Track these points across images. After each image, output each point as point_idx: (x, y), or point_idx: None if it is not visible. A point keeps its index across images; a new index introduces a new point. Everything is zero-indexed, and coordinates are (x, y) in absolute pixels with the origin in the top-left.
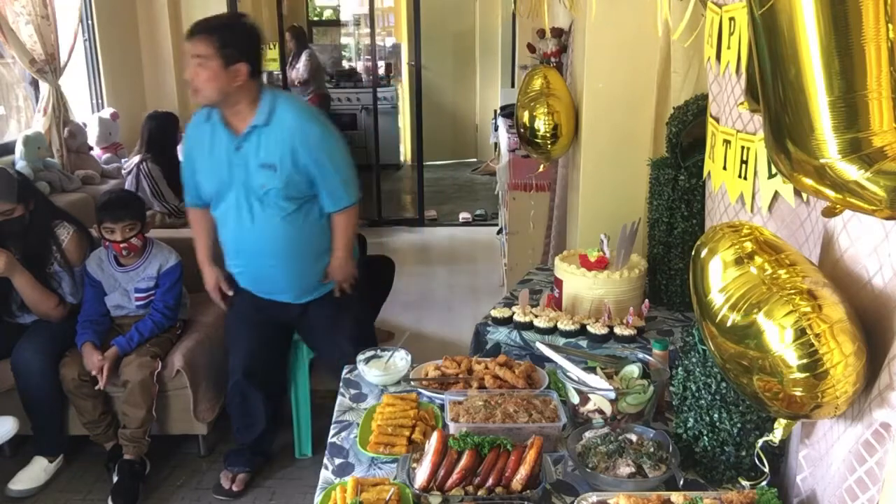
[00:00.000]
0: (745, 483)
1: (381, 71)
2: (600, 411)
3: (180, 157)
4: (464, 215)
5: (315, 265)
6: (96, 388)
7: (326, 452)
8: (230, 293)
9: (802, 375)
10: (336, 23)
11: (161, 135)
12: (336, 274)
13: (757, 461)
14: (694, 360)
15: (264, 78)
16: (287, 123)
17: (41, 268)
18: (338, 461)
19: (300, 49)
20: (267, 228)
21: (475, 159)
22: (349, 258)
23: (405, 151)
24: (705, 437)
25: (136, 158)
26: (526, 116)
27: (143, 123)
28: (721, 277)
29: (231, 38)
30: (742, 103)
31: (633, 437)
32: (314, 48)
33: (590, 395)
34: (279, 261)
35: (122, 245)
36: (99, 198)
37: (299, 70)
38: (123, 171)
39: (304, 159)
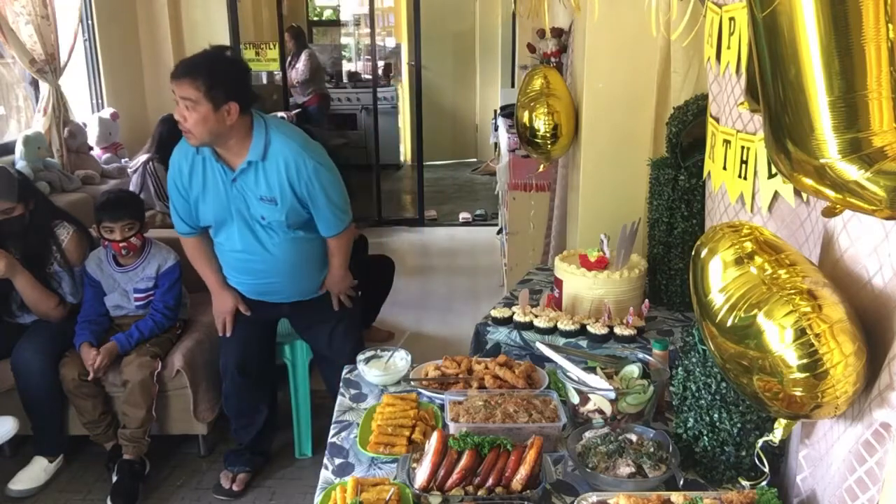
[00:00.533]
0: (745, 483)
1: (381, 71)
2: (600, 411)
3: None
4: (464, 215)
5: (319, 274)
6: (86, 376)
7: (326, 452)
8: (248, 313)
9: (802, 375)
10: (336, 23)
11: (171, 139)
12: (333, 287)
13: (757, 461)
14: (694, 360)
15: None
16: (283, 158)
17: (41, 268)
18: (338, 461)
19: (299, 49)
20: (276, 251)
21: (475, 159)
22: (346, 273)
23: (405, 151)
24: (705, 437)
25: (144, 157)
26: (526, 116)
27: (157, 125)
28: (721, 277)
29: (218, 79)
30: (742, 103)
31: (633, 437)
32: (314, 48)
33: (590, 395)
34: (287, 277)
35: (121, 245)
36: (98, 198)
37: (299, 70)
38: (129, 170)
39: (300, 191)
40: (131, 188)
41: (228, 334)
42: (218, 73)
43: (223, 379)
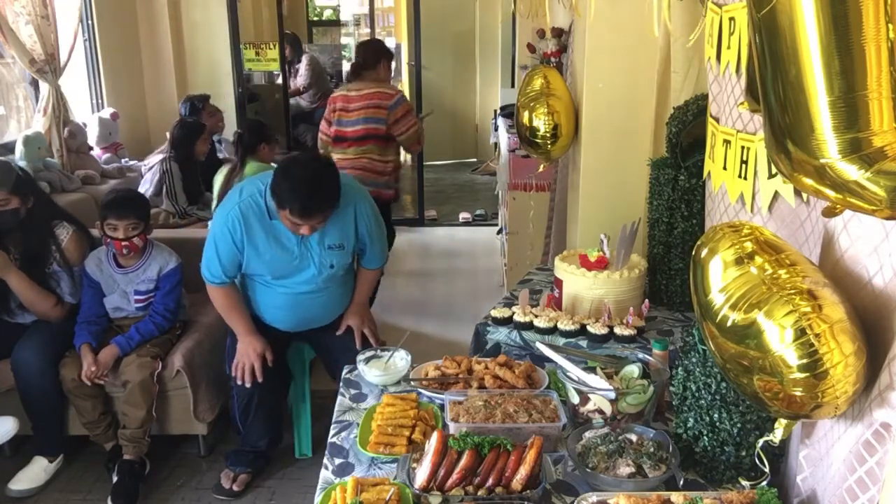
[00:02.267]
0: (745, 483)
1: None
2: (600, 411)
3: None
4: (464, 215)
5: (349, 301)
6: (82, 376)
7: (326, 452)
8: (271, 364)
9: (802, 375)
10: (336, 23)
11: (186, 140)
12: (355, 319)
13: (757, 461)
14: (694, 360)
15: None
16: (351, 204)
17: (41, 268)
18: (338, 461)
19: (297, 56)
20: (327, 290)
21: (475, 159)
22: (367, 306)
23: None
24: (705, 437)
25: (161, 156)
26: (526, 116)
27: (172, 128)
28: (721, 277)
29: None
30: (742, 103)
31: (633, 437)
32: (314, 48)
33: (590, 395)
34: (329, 308)
35: (123, 243)
36: (104, 195)
37: (302, 76)
38: (143, 167)
39: (361, 230)
40: (144, 185)
41: (260, 380)
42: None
43: (238, 393)
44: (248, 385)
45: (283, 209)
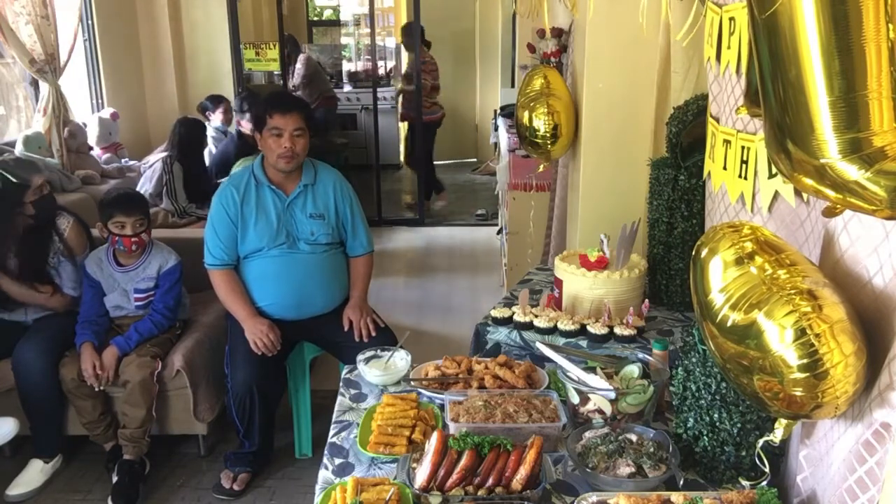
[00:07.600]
0: (745, 483)
1: (382, 70)
2: (600, 411)
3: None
4: (464, 215)
5: (344, 285)
6: (85, 377)
7: (326, 452)
8: (278, 346)
9: (802, 375)
10: (336, 23)
11: (190, 139)
12: (355, 313)
13: (757, 461)
14: (694, 360)
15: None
16: (329, 180)
17: (42, 259)
18: (338, 461)
19: (295, 55)
20: (313, 261)
21: (475, 159)
22: (366, 300)
23: (405, 151)
24: (705, 437)
25: (162, 155)
26: (526, 116)
27: (175, 127)
28: (721, 277)
29: (309, 113)
30: (739, 108)
31: (633, 437)
32: (314, 49)
33: (590, 395)
34: (320, 282)
35: (133, 239)
36: (104, 195)
37: (298, 75)
38: (143, 165)
39: (341, 207)
40: (144, 184)
41: (278, 348)
42: (307, 108)
43: (238, 392)
44: (266, 352)
45: (269, 116)
